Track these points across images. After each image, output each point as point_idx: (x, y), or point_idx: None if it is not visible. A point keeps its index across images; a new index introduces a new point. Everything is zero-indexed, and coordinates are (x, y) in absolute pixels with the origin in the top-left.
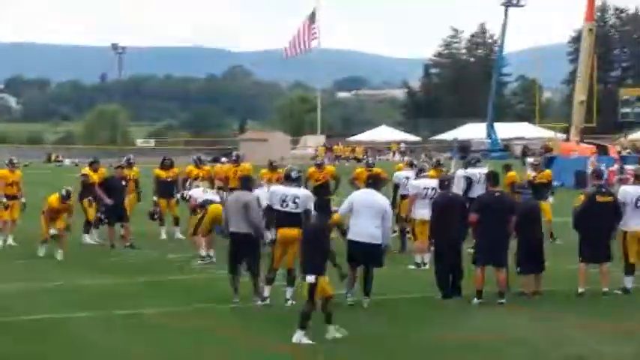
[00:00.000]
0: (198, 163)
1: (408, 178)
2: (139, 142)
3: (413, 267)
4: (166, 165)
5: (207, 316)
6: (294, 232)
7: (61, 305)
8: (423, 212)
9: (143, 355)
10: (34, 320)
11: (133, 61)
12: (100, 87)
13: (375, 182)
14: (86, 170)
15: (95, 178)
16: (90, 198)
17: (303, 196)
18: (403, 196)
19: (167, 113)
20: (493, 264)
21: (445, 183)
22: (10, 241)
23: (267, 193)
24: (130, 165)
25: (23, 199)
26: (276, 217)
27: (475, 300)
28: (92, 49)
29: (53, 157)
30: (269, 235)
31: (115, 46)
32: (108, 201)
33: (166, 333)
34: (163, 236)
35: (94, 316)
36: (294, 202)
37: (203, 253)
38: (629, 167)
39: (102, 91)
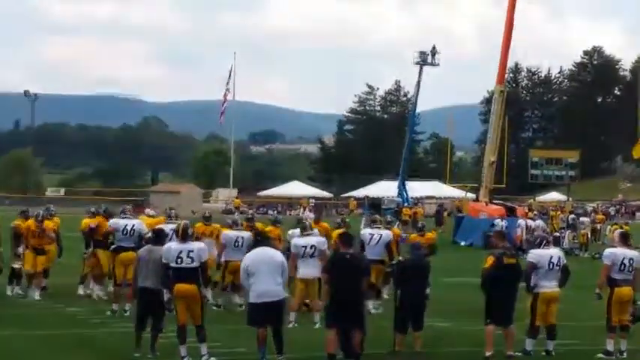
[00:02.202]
0: (92, 216)
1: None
2: (49, 190)
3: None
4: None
5: None
6: (191, 287)
7: None
8: (304, 271)
9: None
10: None
11: (46, 108)
12: (14, 133)
13: (264, 238)
14: (19, 221)
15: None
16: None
17: (197, 249)
18: None
19: (80, 162)
20: (344, 326)
21: (348, 242)
22: None
23: (166, 251)
24: (50, 215)
25: None
26: (173, 274)
27: None
28: (4, 96)
29: None
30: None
31: (27, 93)
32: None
33: None
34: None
35: None
36: (189, 257)
37: (115, 307)
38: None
39: (15, 138)
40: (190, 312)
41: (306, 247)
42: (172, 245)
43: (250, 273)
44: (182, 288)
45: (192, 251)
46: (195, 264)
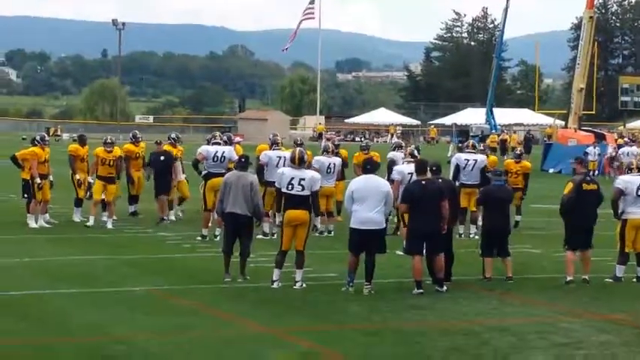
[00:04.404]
0: (175, 142)
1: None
2: (138, 118)
3: (401, 253)
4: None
5: (195, 295)
6: (301, 213)
7: (45, 281)
8: None
9: (127, 333)
10: (14, 296)
11: (133, 37)
12: (101, 62)
13: (373, 167)
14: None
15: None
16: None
17: (309, 178)
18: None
19: (167, 90)
20: (426, 253)
21: (422, 169)
22: (42, 222)
23: (279, 176)
24: (137, 141)
25: (51, 177)
26: (284, 199)
27: (415, 290)
28: (93, 25)
29: (52, 132)
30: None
31: (115, 22)
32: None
33: (152, 311)
34: (172, 217)
35: (78, 293)
36: (300, 185)
37: (205, 232)
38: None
39: (103, 67)
40: (295, 237)
41: (412, 174)
42: (286, 171)
43: (356, 198)
44: (292, 214)
45: (303, 179)
46: (306, 192)
